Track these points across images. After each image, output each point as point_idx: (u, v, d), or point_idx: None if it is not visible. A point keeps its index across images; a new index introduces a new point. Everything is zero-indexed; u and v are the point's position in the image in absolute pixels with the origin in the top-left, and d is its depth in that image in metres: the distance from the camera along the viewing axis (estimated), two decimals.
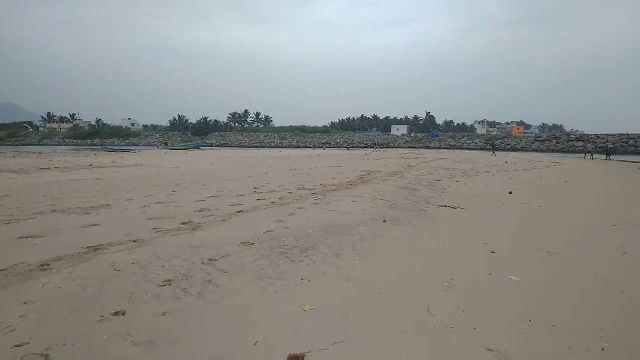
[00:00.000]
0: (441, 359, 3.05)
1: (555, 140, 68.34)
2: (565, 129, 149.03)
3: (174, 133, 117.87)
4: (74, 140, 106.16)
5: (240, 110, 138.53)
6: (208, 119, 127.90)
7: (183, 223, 7.06)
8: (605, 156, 41.87)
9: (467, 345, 3.25)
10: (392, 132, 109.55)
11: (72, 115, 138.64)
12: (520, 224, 7.98)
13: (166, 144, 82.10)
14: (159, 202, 9.27)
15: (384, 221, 7.54)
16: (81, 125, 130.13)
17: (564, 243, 6.55)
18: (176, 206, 8.78)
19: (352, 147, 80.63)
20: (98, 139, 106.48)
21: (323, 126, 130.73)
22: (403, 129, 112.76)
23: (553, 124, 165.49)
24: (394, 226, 7.27)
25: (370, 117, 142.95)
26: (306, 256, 5.29)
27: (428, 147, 74.11)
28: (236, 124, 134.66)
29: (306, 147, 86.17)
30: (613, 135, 63.86)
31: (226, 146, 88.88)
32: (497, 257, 5.67)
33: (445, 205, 9.58)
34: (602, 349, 3.27)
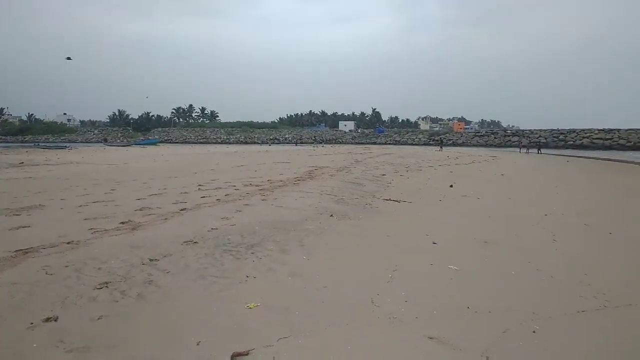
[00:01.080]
0: (384, 350, 3.12)
1: (493, 135, 71.83)
2: (503, 124, 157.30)
3: (114, 129, 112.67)
4: (3, 137, 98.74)
5: (185, 105, 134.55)
6: (151, 114, 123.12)
7: (122, 223, 6.76)
8: (537, 150, 44.62)
9: (409, 334, 3.34)
10: (339, 128, 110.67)
11: (1, 110, 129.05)
12: (460, 216, 8.32)
13: (105, 140, 78.40)
14: (96, 202, 8.82)
15: (331, 216, 7.60)
16: (11, 120, 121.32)
17: (500, 233, 6.90)
18: (115, 205, 8.40)
19: (301, 142, 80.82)
20: (30, 136, 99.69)
21: (271, 122, 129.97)
22: (350, 125, 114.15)
23: (491, 120, 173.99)
24: (340, 221, 7.34)
25: (319, 113, 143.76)
26: (252, 253, 5.23)
27: (375, 143, 75.56)
28: (180, 120, 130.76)
29: (254, 143, 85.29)
30: (545, 130, 68.01)
31: (170, 142, 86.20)
32: (438, 248, 5.88)
33: (390, 199, 9.80)
34: (534, 332, 3.47)
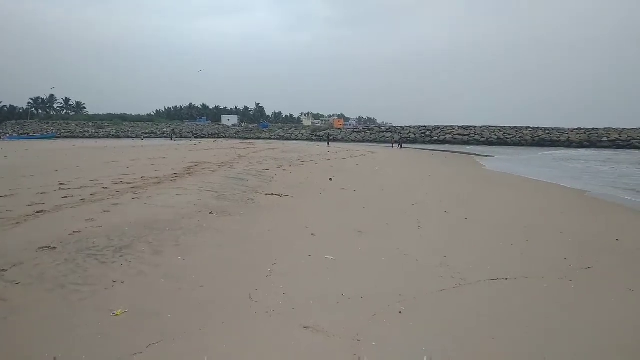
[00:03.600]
0: (260, 344, 3.11)
1: (369, 131, 76.31)
2: (378, 121, 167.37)
3: None
4: None
5: (45, 95, 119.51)
6: (2, 105, 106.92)
7: None
8: (399, 145, 48.51)
9: (285, 326, 3.38)
10: (222, 122, 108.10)
11: None
12: (337, 208, 8.68)
13: None
14: None
15: (211, 213, 7.38)
16: None
17: (372, 223, 7.35)
18: None
19: (180, 137, 76.97)
20: None
21: (147, 115, 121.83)
22: (234, 119, 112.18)
23: (368, 117, 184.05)
24: (220, 217, 7.16)
25: (200, 106, 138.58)
26: (121, 256, 4.84)
27: (259, 138, 75.30)
28: (40, 111, 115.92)
29: (128, 137, 79.24)
30: (414, 127, 74.14)
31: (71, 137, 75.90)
32: (316, 239, 6.06)
33: (272, 194, 9.84)
34: (400, 312, 3.76)
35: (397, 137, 59.90)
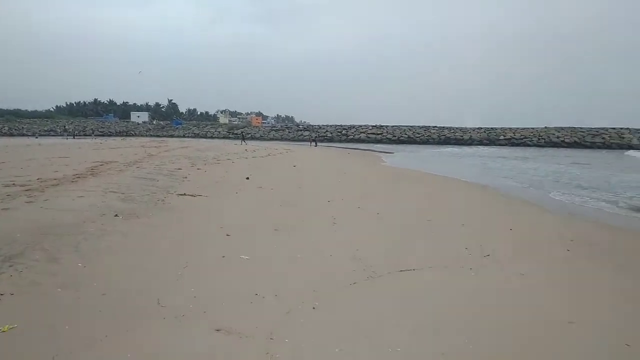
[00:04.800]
0: (169, 350, 2.98)
1: (287, 130, 76.53)
2: (296, 120, 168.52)
3: None
4: None
5: None
6: None
7: None
8: (315, 144, 49.27)
9: (196, 329, 3.28)
10: (132, 120, 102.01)
11: None
12: (254, 207, 8.59)
13: None
14: None
15: (116, 216, 6.92)
16: None
17: (289, 220, 7.38)
18: None
19: (83, 135, 71.30)
20: None
21: (46, 111, 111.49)
22: (144, 116, 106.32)
23: (286, 115, 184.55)
24: (127, 220, 6.75)
25: (106, 102, 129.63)
26: (10, 266, 4.36)
27: (172, 136, 72.09)
28: None
29: (23, 135, 71.85)
30: (331, 125, 75.65)
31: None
32: (231, 239, 5.94)
33: (185, 194, 9.48)
34: (313, 308, 3.81)
35: (314, 135, 60.68)
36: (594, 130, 59.89)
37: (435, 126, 69.50)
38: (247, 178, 12.87)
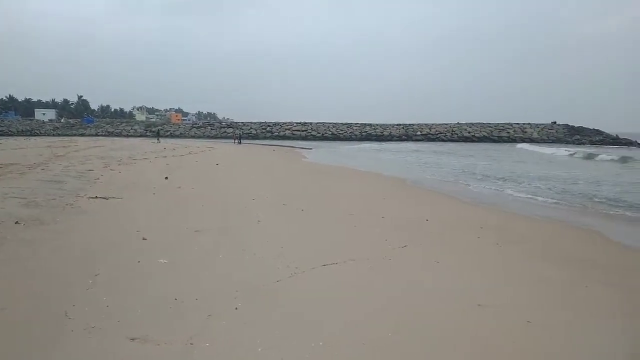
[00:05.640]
0: None
1: (210, 127, 74.39)
2: (219, 117, 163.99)
3: None
4: None
5: None
6: None
7: None
8: (238, 141, 48.51)
9: (108, 341, 3.07)
10: (36, 117, 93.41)
11: None
12: (173, 208, 8.25)
13: None
14: None
15: (17, 223, 6.30)
16: None
17: (212, 220, 7.18)
18: None
19: None
20: None
21: None
22: (51, 114, 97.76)
23: (208, 112, 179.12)
24: (30, 227, 6.17)
25: (5, 98, 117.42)
26: None
27: (83, 135, 67.03)
28: None
29: None
30: (255, 123, 74.82)
31: None
32: (148, 243, 5.65)
33: (97, 197, 8.87)
34: (236, 309, 3.73)
35: (238, 132, 59.64)
36: (500, 125, 64.94)
37: (357, 123, 71.31)
38: (166, 178, 12.34)
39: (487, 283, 4.81)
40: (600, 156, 29.76)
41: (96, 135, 67.42)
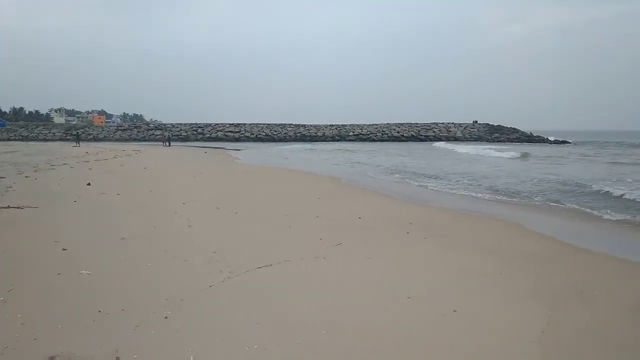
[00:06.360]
0: None
1: (136, 129, 70.90)
2: (146, 118, 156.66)
3: None
4: None
5: None
6: None
7: None
8: (167, 144, 46.89)
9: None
10: None
11: None
12: (97, 216, 7.79)
13: None
14: None
15: None
16: None
17: (139, 227, 6.86)
18: None
19: None
20: None
21: None
22: None
23: (134, 114, 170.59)
24: None
25: None
26: None
27: None
28: None
29: None
30: (186, 124, 72.44)
31: None
32: (68, 253, 5.29)
33: (8, 207, 8.16)
34: (165, 317, 3.60)
35: (167, 134, 57.45)
36: (427, 125, 67.94)
37: (291, 124, 71.43)
38: (89, 184, 11.61)
39: (416, 276, 5.02)
40: (510, 153, 31.70)
41: (8, 139, 61.90)
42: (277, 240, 6.40)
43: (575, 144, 53.05)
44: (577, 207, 10.43)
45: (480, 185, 14.55)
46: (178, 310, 3.75)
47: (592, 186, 13.38)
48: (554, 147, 46.88)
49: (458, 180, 15.83)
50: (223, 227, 7.23)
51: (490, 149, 35.93)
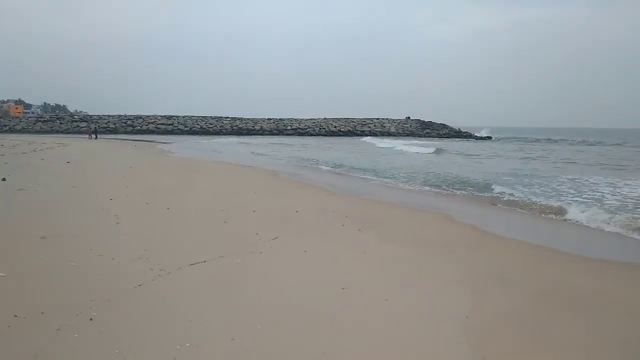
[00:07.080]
0: None
1: (59, 121, 66.16)
2: (70, 109, 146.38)
3: None
4: None
5: None
6: None
7: None
8: (94, 136, 44.25)
9: None
10: None
11: None
12: (14, 214, 7.21)
13: None
14: None
15: None
16: None
17: (60, 225, 6.43)
18: None
19: None
20: None
21: None
22: None
23: (56, 104, 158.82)
24: None
25: None
26: None
27: None
28: None
29: None
30: (114, 116, 68.65)
31: None
32: None
33: None
34: (91, 319, 3.42)
35: (93, 126, 54.16)
36: (362, 120, 69.36)
37: (228, 117, 70.01)
38: (4, 179, 10.67)
39: (350, 267, 5.15)
40: (429, 148, 33.16)
41: None
42: (212, 236, 6.28)
43: (494, 140, 56.84)
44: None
45: (424, 179, 15.15)
46: (105, 311, 3.57)
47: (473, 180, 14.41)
48: (475, 143, 49.80)
49: (395, 174, 16.35)
50: (154, 223, 6.97)
51: (412, 144, 37.36)
